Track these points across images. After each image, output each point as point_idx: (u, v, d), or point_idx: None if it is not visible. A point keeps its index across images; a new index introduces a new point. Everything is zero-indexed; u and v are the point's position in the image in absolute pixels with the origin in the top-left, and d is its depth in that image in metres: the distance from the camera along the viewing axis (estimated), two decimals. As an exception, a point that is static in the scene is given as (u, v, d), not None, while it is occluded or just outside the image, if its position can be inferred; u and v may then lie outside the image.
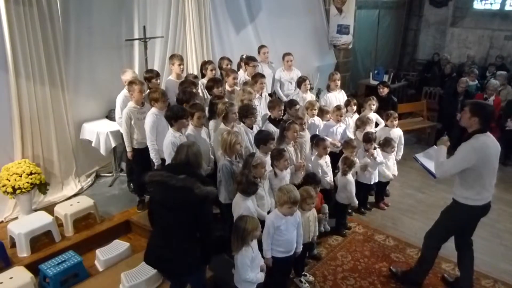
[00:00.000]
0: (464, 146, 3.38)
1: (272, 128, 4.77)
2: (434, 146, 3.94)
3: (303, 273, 4.03)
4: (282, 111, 5.02)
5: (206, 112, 4.91)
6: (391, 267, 4.18)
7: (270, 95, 6.37)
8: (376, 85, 9.19)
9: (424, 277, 3.98)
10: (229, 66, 6.08)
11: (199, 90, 5.50)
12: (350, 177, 4.71)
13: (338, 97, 6.27)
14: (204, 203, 2.73)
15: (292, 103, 5.23)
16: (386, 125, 5.67)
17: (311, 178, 4.25)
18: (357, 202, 4.83)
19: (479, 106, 3.47)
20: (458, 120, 7.18)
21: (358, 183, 5.11)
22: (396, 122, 5.57)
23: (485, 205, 3.54)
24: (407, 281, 4.01)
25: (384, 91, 6.59)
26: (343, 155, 4.81)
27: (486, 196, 3.52)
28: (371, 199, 5.52)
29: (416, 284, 3.98)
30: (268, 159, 4.11)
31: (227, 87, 5.53)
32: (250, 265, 3.11)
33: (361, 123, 5.42)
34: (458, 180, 3.55)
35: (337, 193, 4.74)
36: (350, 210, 5.21)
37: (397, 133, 5.55)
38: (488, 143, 3.37)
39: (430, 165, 3.83)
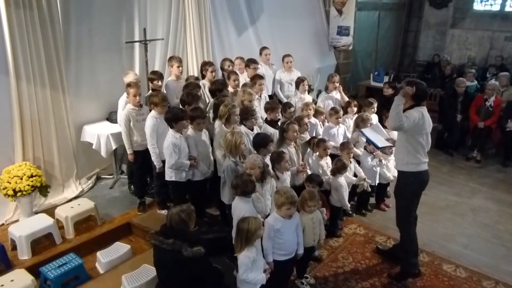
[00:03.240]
0: (409, 111, 3.75)
1: (270, 130, 4.75)
2: (378, 123, 4.47)
3: (305, 275, 4.02)
4: (280, 114, 5.02)
5: (211, 113, 4.92)
6: (390, 274, 4.15)
7: (271, 96, 6.38)
8: (376, 86, 9.26)
9: (417, 262, 4.06)
10: (230, 67, 6.09)
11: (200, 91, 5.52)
12: (342, 180, 4.64)
13: (336, 97, 6.27)
14: (194, 263, 2.94)
15: (287, 105, 5.23)
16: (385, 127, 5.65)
17: (313, 179, 4.23)
18: (348, 205, 4.77)
19: (411, 83, 3.83)
20: (458, 121, 7.21)
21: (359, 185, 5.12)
22: None
23: (425, 171, 3.89)
24: (405, 276, 4.04)
25: (389, 91, 6.60)
26: (337, 157, 4.79)
27: (422, 162, 3.83)
28: (372, 200, 5.51)
29: (415, 274, 4.04)
30: (268, 162, 4.11)
31: (230, 89, 5.54)
32: (250, 266, 3.10)
33: (362, 121, 5.40)
34: (397, 150, 3.99)
35: (330, 195, 4.70)
36: (350, 212, 5.21)
37: (396, 134, 5.52)
38: (424, 113, 3.76)
39: (374, 138, 4.62)
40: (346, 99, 6.21)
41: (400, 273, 4.08)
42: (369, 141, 4.84)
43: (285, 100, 6.34)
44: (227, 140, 3.99)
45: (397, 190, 4.07)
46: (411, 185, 3.93)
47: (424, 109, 3.78)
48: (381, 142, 4.79)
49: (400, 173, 4.01)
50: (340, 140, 5.37)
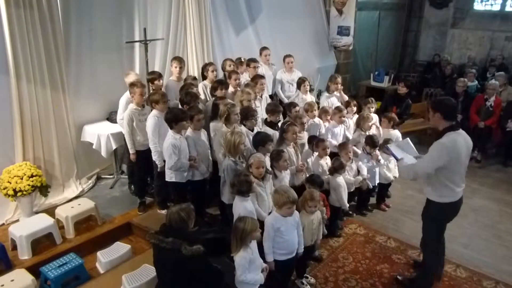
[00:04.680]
0: (436, 145, 3.39)
1: (270, 131, 4.73)
2: (407, 139, 3.98)
3: (305, 275, 4.02)
4: (280, 116, 5.01)
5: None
6: (397, 276, 4.12)
7: (271, 96, 6.38)
8: (377, 86, 9.28)
9: (432, 282, 3.94)
10: (232, 67, 6.10)
11: (201, 92, 5.52)
12: (340, 179, 4.63)
13: (338, 97, 6.29)
14: (194, 261, 2.93)
15: (291, 105, 5.23)
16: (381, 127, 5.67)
17: (314, 180, 4.23)
18: (347, 205, 4.75)
19: (438, 101, 3.58)
20: (458, 121, 7.21)
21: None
22: (390, 123, 5.57)
23: (459, 200, 3.59)
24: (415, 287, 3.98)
25: (402, 90, 6.62)
26: (335, 157, 4.78)
27: (458, 192, 3.55)
28: (372, 200, 5.51)
29: None
30: (267, 161, 4.11)
31: (231, 88, 5.55)
32: (248, 267, 3.10)
33: (362, 119, 5.42)
34: (429, 179, 3.55)
35: (329, 195, 4.68)
36: (350, 212, 5.21)
37: (395, 134, 5.54)
38: (459, 141, 3.38)
39: (400, 155, 3.82)
40: (346, 98, 6.23)
41: (411, 283, 3.99)
42: (395, 158, 4.19)
43: (286, 100, 6.35)
44: (226, 140, 4.00)
45: (425, 215, 3.78)
46: (442, 215, 3.66)
47: (458, 134, 3.39)
48: (409, 159, 4.47)
49: (430, 201, 3.65)
50: (341, 139, 5.38)
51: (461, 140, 3.39)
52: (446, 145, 3.32)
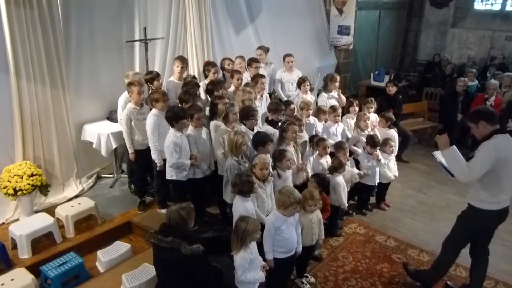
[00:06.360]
0: (485, 146, 3.29)
1: (270, 130, 4.75)
2: (454, 146, 3.70)
3: (305, 274, 4.02)
4: (282, 116, 5.02)
5: (207, 112, 4.92)
6: (406, 265, 4.14)
7: (270, 95, 6.37)
8: (377, 86, 9.28)
9: (436, 282, 3.95)
10: (230, 66, 6.09)
11: (202, 92, 5.51)
12: (339, 178, 4.63)
13: (336, 98, 6.29)
14: (194, 261, 2.94)
15: (287, 103, 5.25)
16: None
17: (321, 180, 4.23)
18: (346, 205, 4.73)
19: (474, 112, 3.50)
20: (458, 121, 7.21)
21: (360, 184, 5.14)
22: (388, 123, 5.62)
23: (502, 209, 3.44)
24: (418, 279, 4.01)
25: (393, 90, 6.65)
26: (334, 156, 4.77)
27: (503, 200, 3.40)
28: (372, 199, 5.51)
29: (425, 286, 3.97)
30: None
31: (232, 87, 5.54)
32: (248, 267, 3.11)
33: (357, 118, 5.46)
34: (474, 183, 3.42)
35: (329, 195, 4.66)
36: (350, 211, 5.21)
37: (391, 134, 5.54)
38: (508, 142, 3.29)
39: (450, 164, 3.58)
40: (344, 99, 6.23)
41: (416, 273, 4.03)
42: (444, 168, 3.77)
43: (285, 99, 6.33)
44: (229, 139, 4.01)
45: (460, 217, 3.68)
46: (475, 222, 3.53)
47: (506, 137, 3.29)
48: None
49: (470, 205, 3.54)
50: (339, 139, 5.38)
51: (510, 142, 3.30)
52: (493, 144, 3.25)
